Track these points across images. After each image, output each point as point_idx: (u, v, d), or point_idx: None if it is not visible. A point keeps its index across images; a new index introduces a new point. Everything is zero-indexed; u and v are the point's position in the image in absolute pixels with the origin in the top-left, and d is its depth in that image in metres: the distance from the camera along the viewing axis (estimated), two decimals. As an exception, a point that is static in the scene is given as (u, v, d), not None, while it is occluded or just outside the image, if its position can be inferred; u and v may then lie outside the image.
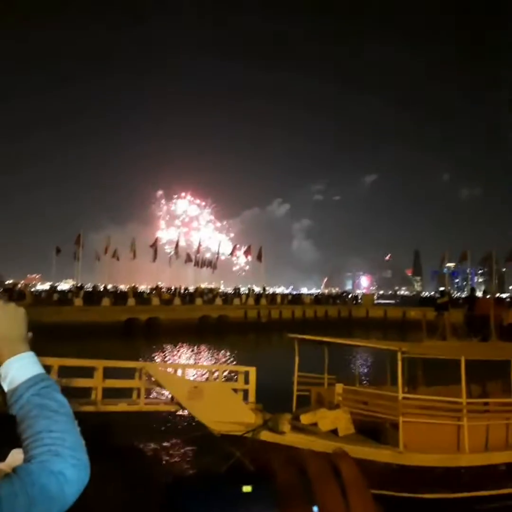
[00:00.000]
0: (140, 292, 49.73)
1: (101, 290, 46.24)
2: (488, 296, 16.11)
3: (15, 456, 0.94)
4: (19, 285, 51.46)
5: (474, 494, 7.24)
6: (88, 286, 48.12)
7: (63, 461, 0.89)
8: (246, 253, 52.30)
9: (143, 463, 9.14)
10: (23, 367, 0.99)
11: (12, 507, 0.77)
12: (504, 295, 70.91)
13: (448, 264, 42.77)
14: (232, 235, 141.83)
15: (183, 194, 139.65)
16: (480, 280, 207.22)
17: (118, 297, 42.22)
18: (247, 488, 0.53)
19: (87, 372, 8.78)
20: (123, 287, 54.01)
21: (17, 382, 0.97)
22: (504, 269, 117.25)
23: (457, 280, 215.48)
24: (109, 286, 49.99)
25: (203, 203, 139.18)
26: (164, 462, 9.23)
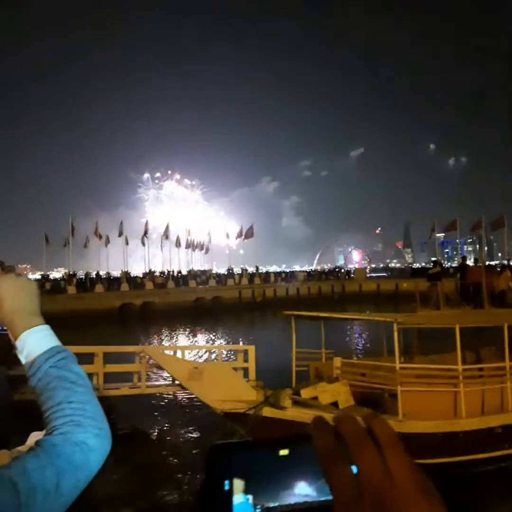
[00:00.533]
0: (133, 277, 49.64)
1: (94, 277, 46.07)
2: (479, 264, 16.27)
3: (34, 438, 0.94)
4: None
5: (472, 457, 7.48)
6: (80, 274, 47.91)
7: (85, 431, 0.90)
8: (239, 235, 52.14)
9: (150, 445, 9.29)
10: (39, 340, 1.00)
11: (42, 480, 0.79)
12: (493, 263, 71.80)
13: (438, 235, 43.03)
14: (221, 215, 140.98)
15: (170, 176, 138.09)
16: (470, 248, 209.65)
17: (111, 283, 42.16)
18: (284, 452, 0.54)
19: (87, 358, 8.82)
20: (115, 273, 53.84)
21: (34, 354, 0.98)
22: (492, 237, 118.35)
23: (447, 250, 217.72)
24: (102, 273, 49.80)
25: (192, 183, 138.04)
26: (170, 443, 9.37)
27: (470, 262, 22.53)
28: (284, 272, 68.01)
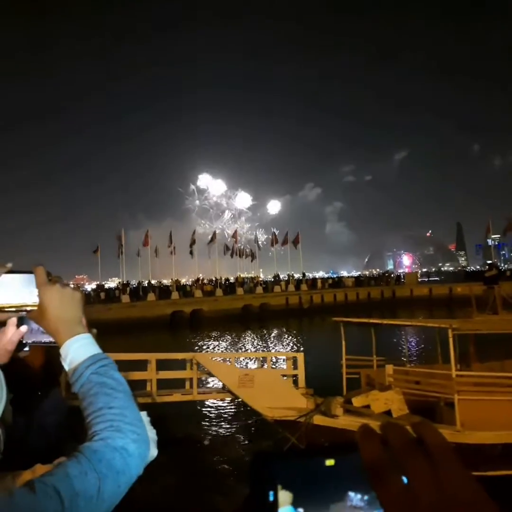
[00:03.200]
0: (182, 285, 50.70)
1: (146, 285, 47.50)
2: (540, 267, 15.38)
3: (40, 471, 0.92)
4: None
5: None
6: (133, 283, 49.53)
7: (124, 436, 0.94)
8: (284, 242, 52.15)
9: (201, 451, 9.42)
10: (81, 347, 1.05)
11: (84, 485, 0.83)
12: (556, 264, 67.42)
13: (493, 236, 41.08)
14: (266, 223, 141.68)
15: (215, 187, 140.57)
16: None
17: (162, 291, 43.25)
18: (330, 462, 0.53)
19: (141, 365, 9.11)
20: (165, 281, 55.27)
21: (77, 361, 1.03)
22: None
23: (503, 252, 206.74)
24: (153, 282, 51.26)
25: (236, 194, 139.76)
26: (220, 449, 9.47)
27: (530, 264, 21.28)
28: (331, 277, 67.12)
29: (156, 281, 51.88)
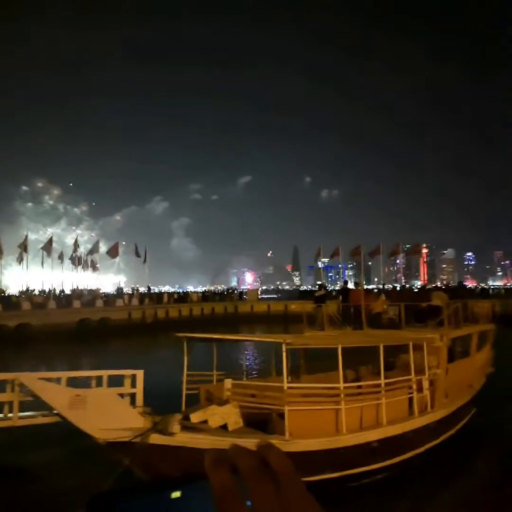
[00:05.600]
0: (7, 295, 44.89)
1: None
2: (359, 288, 17.64)
3: None
4: None
5: (352, 471, 7.93)
6: None
7: None
8: (113, 251, 49.03)
9: (25, 482, 8.30)
10: None
11: None
12: (370, 286, 78.45)
13: (323, 259, 46.11)
14: (110, 233, 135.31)
15: (53, 190, 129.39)
16: (351, 273, 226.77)
17: (-19, 302, 37.59)
18: (176, 494, 0.50)
19: None
20: (-14, 291, 48.22)
21: None
22: (370, 263, 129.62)
23: (330, 274, 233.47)
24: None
25: (76, 200, 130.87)
26: (44, 480, 8.47)
27: (351, 285, 24.35)
28: (177, 292, 66.87)
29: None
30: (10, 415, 8.30)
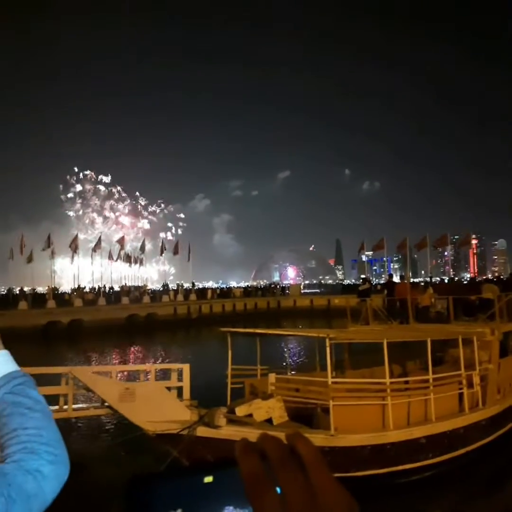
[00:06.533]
0: (60, 293, 47.06)
1: (17, 293, 43.12)
2: (404, 281, 17.21)
3: None
4: None
5: (399, 468, 7.78)
6: (2, 290, 44.64)
7: (39, 458, 0.90)
8: (175, 251, 51.27)
9: (76, 471, 8.71)
10: None
11: None
12: (417, 280, 76.37)
13: (367, 253, 45.28)
14: (154, 229, 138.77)
15: (101, 190, 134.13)
16: (396, 266, 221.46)
17: (37, 299, 39.64)
18: (208, 479, 0.52)
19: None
20: (41, 289, 50.75)
21: None
22: (415, 255, 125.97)
23: (375, 267, 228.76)
24: (26, 289, 46.72)
25: (122, 195, 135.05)
26: (97, 469, 8.86)
27: (396, 279, 23.75)
28: (220, 288, 67.75)
29: (30, 288, 47.31)
30: (65, 407, 8.69)
